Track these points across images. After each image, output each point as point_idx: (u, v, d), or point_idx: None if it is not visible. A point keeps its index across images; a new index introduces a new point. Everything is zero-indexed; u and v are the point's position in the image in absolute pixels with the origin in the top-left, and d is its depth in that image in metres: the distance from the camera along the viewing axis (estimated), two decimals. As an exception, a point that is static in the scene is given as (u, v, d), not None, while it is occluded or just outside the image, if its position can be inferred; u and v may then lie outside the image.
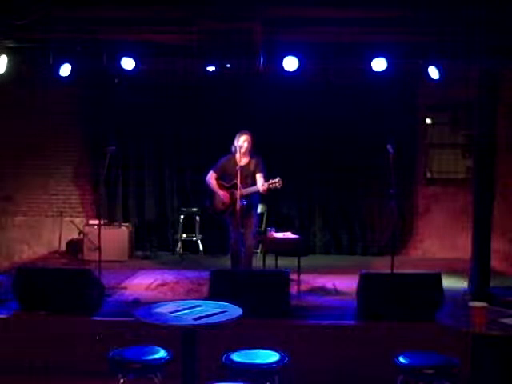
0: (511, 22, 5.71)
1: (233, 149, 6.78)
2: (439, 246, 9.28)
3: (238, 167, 6.57)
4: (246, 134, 6.78)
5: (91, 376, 5.07)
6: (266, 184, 6.61)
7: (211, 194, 6.97)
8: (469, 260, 6.64)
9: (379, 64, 6.48)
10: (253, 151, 6.83)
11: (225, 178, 6.89)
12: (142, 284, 7.11)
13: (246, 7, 5.67)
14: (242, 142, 6.71)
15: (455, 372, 4.02)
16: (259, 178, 6.74)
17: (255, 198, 6.91)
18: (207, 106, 8.97)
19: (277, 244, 6.93)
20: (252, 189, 6.72)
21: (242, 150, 6.70)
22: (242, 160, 6.72)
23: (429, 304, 5.28)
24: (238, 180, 6.51)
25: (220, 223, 7.18)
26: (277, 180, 6.58)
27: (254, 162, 6.81)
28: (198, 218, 9.08)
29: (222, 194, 6.81)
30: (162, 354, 4.14)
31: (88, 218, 9.33)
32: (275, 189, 6.62)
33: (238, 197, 6.54)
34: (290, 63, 6.50)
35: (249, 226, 6.82)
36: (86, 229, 8.58)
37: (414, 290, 5.48)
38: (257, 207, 7.18)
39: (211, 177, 6.94)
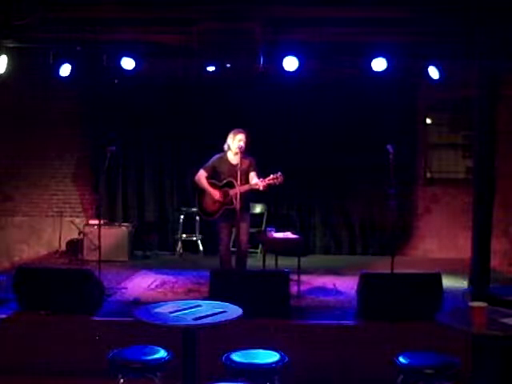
0: (511, 22, 5.71)
1: (225, 147, 6.64)
2: (439, 245, 9.28)
3: (233, 165, 6.46)
4: (241, 132, 6.59)
5: (91, 376, 5.07)
6: (265, 180, 6.43)
7: (200, 194, 6.80)
8: (469, 260, 6.64)
9: (379, 64, 6.49)
10: (247, 150, 6.64)
11: (216, 177, 6.71)
12: (141, 284, 7.11)
13: (246, 7, 5.68)
14: (237, 140, 6.55)
15: (455, 372, 4.01)
16: (253, 176, 6.60)
17: (246, 201, 6.71)
18: (207, 106, 8.96)
19: (277, 244, 6.92)
20: (247, 186, 6.53)
21: (237, 150, 6.51)
22: (236, 158, 6.55)
23: (429, 304, 5.29)
24: (238, 179, 6.38)
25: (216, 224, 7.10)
26: (278, 175, 6.41)
27: (247, 161, 6.63)
28: (197, 217, 9.07)
29: (213, 192, 6.62)
30: (162, 353, 4.13)
31: (88, 217, 9.33)
32: (275, 185, 6.46)
33: (237, 196, 6.36)
34: (290, 63, 6.50)
35: (242, 229, 6.58)
36: (86, 229, 8.58)
37: (414, 290, 5.47)
38: (249, 208, 7.10)
39: (201, 176, 6.72)
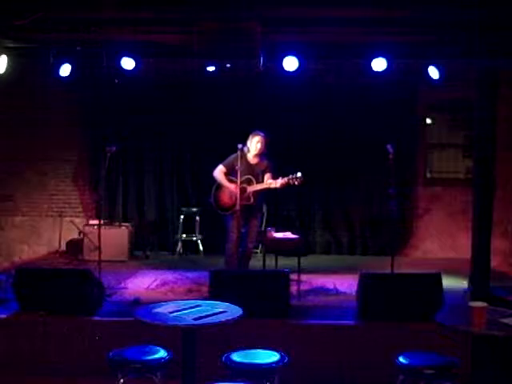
0: (511, 22, 5.71)
1: (245, 149, 6.74)
2: (439, 245, 9.28)
3: (251, 165, 6.58)
4: (258, 135, 6.77)
5: (91, 376, 5.07)
6: (285, 178, 6.54)
7: (217, 188, 6.92)
8: (469, 260, 6.64)
9: (379, 64, 6.48)
10: (265, 153, 6.84)
11: (234, 174, 6.76)
12: (142, 284, 7.10)
13: (246, 7, 5.67)
14: (254, 143, 6.75)
15: (455, 372, 4.02)
16: (268, 177, 6.74)
17: (260, 200, 6.89)
18: (207, 106, 8.96)
19: (277, 244, 6.92)
20: (265, 184, 6.70)
21: (255, 152, 6.74)
22: (254, 159, 6.78)
23: (429, 304, 5.28)
24: (239, 179, 6.44)
25: (220, 223, 7.12)
26: (299, 176, 6.49)
27: (265, 163, 6.83)
28: (197, 218, 9.08)
29: (231, 186, 6.72)
30: (161, 354, 4.14)
31: (88, 217, 9.34)
32: (293, 185, 6.56)
33: (253, 193, 6.59)
34: (290, 63, 6.50)
35: (252, 227, 6.81)
36: (86, 229, 8.58)
37: (414, 290, 5.47)
38: (262, 209, 7.18)
39: (220, 171, 6.87)
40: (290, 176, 6.54)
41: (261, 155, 6.83)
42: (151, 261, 8.80)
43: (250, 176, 6.71)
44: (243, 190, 6.65)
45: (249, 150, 6.78)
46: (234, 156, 6.79)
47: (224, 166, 6.89)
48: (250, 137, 6.80)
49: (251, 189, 6.69)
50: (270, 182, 6.68)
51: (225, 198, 6.85)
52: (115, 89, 8.47)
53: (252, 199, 6.70)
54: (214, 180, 6.97)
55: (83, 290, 5.58)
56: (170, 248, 9.34)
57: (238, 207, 6.45)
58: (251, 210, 6.73)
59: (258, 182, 6.75)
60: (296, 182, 6.52)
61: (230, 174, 6.84)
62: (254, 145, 6.76)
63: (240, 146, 6.59)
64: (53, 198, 9.65)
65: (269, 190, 6.77)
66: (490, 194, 6.56)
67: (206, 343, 4.23)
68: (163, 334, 4.43)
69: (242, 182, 6.66)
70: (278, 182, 6.59)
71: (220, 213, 6.94)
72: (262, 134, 6.79)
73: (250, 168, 6.75)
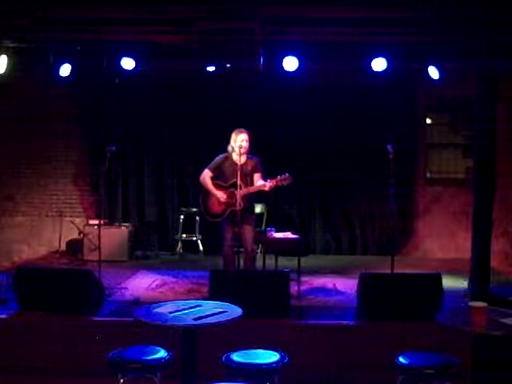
0: (511, 22, 5.71)
1: (229, 148, 6.56)
2: (439, 246, 9.28)
3: (238, 166, 6.31)
4: (243, 132, 6.49)
5: (91, 376, 5.07)
6: (273, 181, 6.34)
7: (205, 195, 6.71)
8: (469, 260, 6.63)
9: (379, 64, 6.49)
10: (250, 150, 6.60)
11: (221, 177, 6.63)
12: (142, 284, 7.11)
13: (246, 7, 5.68)
14: (240, 141, 6.44)
15: (455, 372, 4.01)
16: (258, 177, 6.58)
17: (251, 203, 6.70)
18: (207, 106, 8.96)
19: (277, 244, 6.92)
20: (254, 188, 6.51)
21: (242, 150, 6.42)
22: (240, 159, 6.43)
23: (429, 304, 5.29)
24: (238, 179, 6.32)
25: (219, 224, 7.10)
26: (286, 176, 6.31)
27: (252, 161, 6.60)
28: (197, 218, 9.08)
29: (219, 194, 6.55)
30: (162, 354, 4.13)
31: (88, 217, 9.33)
32: (282, 186, 6.37)
33: (238, 197, 6.32)
34: (290, 63, 6.50)
35: (246, 233, 6.56)
36: (86, 229, 8.58)
37: (414, 290, 5.47)
38: (254, 209, 7.07)
39: (206, 176, 6.62)
40: (279, 177, 6.34)
41: (247, 153, 6.54)
42: (151, 261, 8.80)
43: (237, 179, 6.33)
44: (232, 195, 6.46)
45: (233, 150, 6.46)
46: (219, 158, 6.63)
47: (210, 169, 6.62)
48: (234, 135, 6.49)
49: (240, 193, 6.35)
50: (259, 185, 6.46)
51: (214, 205, 6.62)
52: (115, 89, 8.48)
53: (242, 204, 6.36)
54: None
55: (83, 290, 5.58)
56: (170, 248, 9.34)
57: (238, 209, 6.34)
58: (242, 214, 6.36)
59: (246, 184, 6.48)
60: (285, 183, 6.34)
61: (218, 177, 6.63)
62: (239, 143, 6.41)
63: (229, 147, 6.47)
64: (53, 197, 9.65)
65: (260, 191, 6.58)
66: (490, 194, 6.55)
67: (205, 343, 4.23)
68: (163, 334, 4.43)
69: (227, 187, 6.53)
70: (267, 185, 6.36)
71: (210, 219, 6.75)
72: (247, 131, 6.49)
73: (235, 170, 6.36)
